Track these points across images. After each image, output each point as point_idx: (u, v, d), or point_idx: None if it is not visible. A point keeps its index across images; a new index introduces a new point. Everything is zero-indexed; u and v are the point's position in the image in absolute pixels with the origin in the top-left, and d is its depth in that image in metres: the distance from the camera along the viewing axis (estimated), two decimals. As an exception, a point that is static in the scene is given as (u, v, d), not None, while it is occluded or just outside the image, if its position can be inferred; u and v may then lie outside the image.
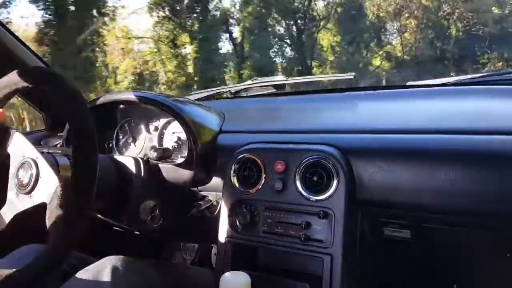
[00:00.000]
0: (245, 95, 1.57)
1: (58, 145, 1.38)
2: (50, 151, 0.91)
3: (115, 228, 1.19)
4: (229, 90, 1.61)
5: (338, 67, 17.02)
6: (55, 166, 0.85)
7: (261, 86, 1.54)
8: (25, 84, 0.80)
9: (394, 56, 17.96)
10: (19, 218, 0.80)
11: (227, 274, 0.81)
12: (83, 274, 0.91)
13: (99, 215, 1.09)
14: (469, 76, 1.30)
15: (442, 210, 0.89)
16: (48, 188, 0.79)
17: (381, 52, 17.94)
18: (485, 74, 1.28)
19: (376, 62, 18.10)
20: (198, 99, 1.50)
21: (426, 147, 0.90)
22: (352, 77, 1.67)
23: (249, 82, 1.56)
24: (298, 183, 0.94)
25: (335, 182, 0.90)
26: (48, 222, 0.75)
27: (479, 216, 0.88)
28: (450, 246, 1.05)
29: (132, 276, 0.93)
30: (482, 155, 0.84)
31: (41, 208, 0.78)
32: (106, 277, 0.88)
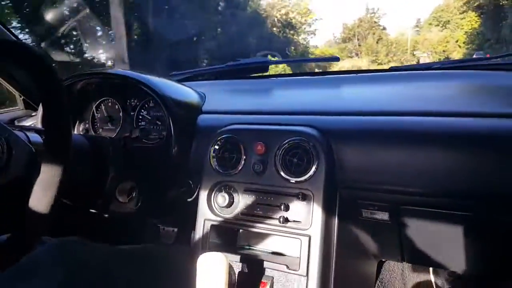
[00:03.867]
0: (227, 76, 1.54)
1: (32, 125, 1.34)
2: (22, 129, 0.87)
3: (91, 212, 1.16)
4: (211, 71, 1.58)
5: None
6: (27, 142, 0.82)
7: (243, 68, 1.51)
8: None
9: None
10: None
11: (204, 254, 0.80)
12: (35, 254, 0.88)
13: (74, 200, 1.06)
14: (452, 60, 1.30)
15: (421, 192, 0.90)
16: (22, 161, 0.76)
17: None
18: (467, 59, 1.29)
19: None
20: (179, 80, 1.46)
21: (406, 128, 0.90)
22: (337, 60, 1.66)
23: (231, 63, 1.52)
24: (278, 165, 0.93)
25: (315, 164, 0.90)
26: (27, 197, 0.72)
27: (457, 197, 0.89)
28: (427, 228, 1.06)
29: (84, 256, 0.90)
30: (462, 137, 0.85)
31: (18, 181, 0.75)
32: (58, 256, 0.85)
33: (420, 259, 1.19)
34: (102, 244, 1.04)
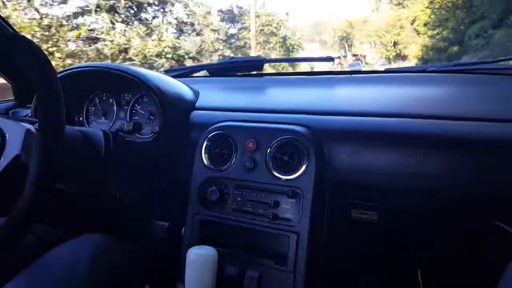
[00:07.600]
0: (221, 73, 1.55)
1: (27, 116, 1.33)
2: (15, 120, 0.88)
3: (81, 204, 1.16)
4: (205, 68, 1.58)
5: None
6: None
7: (238, 66, 1.51)
8: None
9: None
10: None
11: (194, 247, 0.81)
12: (61, 249, 0.87)
13: (64, 190, 1.07)
14: (445, 64, 1.32)
15: (410, 193, 0.91)
16: (17, 143, 0.78)
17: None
18: (462, 62, 1.30)
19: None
20: (173, 76, 1.46)
21: (397, 130, 0.91)
22: (331, 60, 1.67)
23: (226, 60, 1.53)
24: (268, 162, 0.94)
25: (305, 163, 0.91)
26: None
27: (445, 198, 0.90)
28: (415, 229, 1.08)
29: (111, 253, 0.91)
30: (452, 140, 0.86)
31: (16, 162, 0.76)
32: (86, 253, 0.86)
33: (407, 260, 1.21)
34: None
